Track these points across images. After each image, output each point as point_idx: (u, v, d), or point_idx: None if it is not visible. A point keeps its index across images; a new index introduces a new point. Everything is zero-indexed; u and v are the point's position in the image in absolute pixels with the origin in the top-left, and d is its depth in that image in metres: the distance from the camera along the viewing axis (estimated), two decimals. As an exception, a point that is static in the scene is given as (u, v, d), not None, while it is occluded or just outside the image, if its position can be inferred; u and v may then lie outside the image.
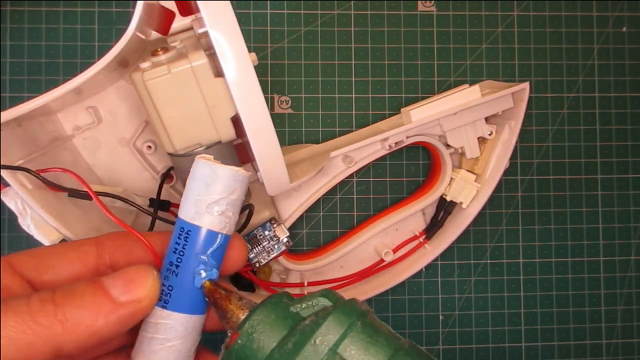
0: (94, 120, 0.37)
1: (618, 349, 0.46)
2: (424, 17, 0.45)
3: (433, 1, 0.45)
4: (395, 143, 0.40)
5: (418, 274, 0.44)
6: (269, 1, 0.44)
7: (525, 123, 0.44)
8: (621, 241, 0.47)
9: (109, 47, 0.32)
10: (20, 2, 0.43)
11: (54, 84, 0.43)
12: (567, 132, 0.46)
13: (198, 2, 0.28)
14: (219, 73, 0.30)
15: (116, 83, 0.37)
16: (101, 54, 0.43)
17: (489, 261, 0.46)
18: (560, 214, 0.46)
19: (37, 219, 0.28)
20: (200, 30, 0.33)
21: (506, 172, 0.42)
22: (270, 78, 0.44)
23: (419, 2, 0.45)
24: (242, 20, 0.44)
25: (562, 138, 0.46)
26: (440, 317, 0.45)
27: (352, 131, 0.44)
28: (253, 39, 0.44)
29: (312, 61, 0.45)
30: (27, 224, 0.28)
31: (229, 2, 0.28)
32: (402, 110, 0.43)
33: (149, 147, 0.38)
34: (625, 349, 0.46)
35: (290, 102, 0.45)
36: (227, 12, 0.28)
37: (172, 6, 0.34)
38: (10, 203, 0.28)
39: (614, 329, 0.46)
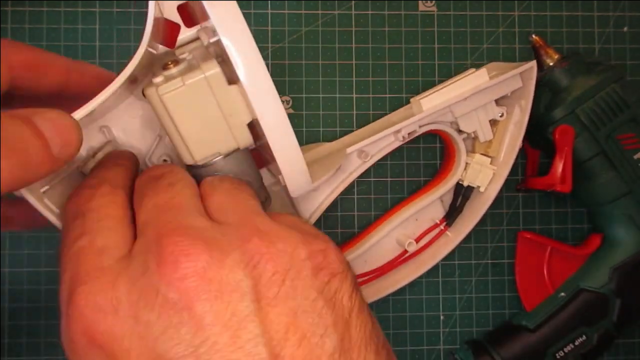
0: (108, 139, 0.37)
1: (619, 349, 0.46)
2: (425, 17, 0.45)
3: (434, 1, 0.45)
4: (409, 133, 0.40)
5: (401, 289, 0.44)
6: (269, 1, 0.44)
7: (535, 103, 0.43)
8: (622, 241, 0.47)
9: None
10: (21, 2, 0.43)
11: (55, 84, 0.43)
12: (568, 132, 0.46)
13: (205, 5, 0.28)
14: (232, 80, 0.30)
15: (126, 100, 0.37)
16: (102, 54, 0.43)
17: (490, 261, 0.46)
18: (562, 214, 0.46)
19: None
20: (212, 39, 0.33)
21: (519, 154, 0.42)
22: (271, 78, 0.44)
23: (420, 2, 0.45)
24: (243, 20, 0.44)
25: (563, 138, 0.46)
26: (441, 317, 0.46)
27: (353, 131, 0.44)
28: (254, 39, 0.44)
29: (313, 61, 0.45)
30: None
31: (235, 2, 0.28)
32: (411, 100, 0.42)
33: (165, 160, 0.38)
34: (626, 348, 0.46)
35: (291, 102, 0.45)
36: (236, 15, 0.28)
37: (177, 18, 0.34)
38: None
39: (615, 329, 0.46)
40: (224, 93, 0.31)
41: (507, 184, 0.46)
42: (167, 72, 0.31)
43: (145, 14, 0.31)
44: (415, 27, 0.45)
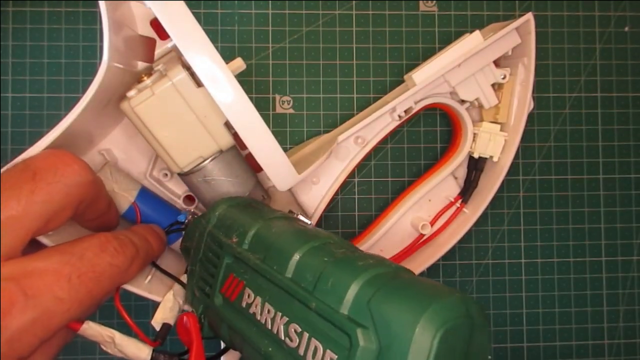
0: (106, 161, 0.37)
1: (620, 349, 0.46)
2: (426, 17, 0.45)
3: (435, 1, 0.45)
4: (405, 111, 0.39)
5: (420, 274, 0.44)
6: (270, 1, 0.44)
7: (539, 61, 0.41)
8: (623, 241, 0.46)
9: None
10: (23, 3, 0.43)
11: (56, 85, 0.43)
12: (569, 132, 0.46)
13: (150, 6, 0.28)
14: (200, 83, 0.31)
15: (122, 121, 0.37)
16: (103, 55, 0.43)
17: (490, 261, 0.46)
18: (562, 214, 0.46)
19: (125, 341, 0.29)
20: (171, 44, 0.33)
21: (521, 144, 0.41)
22: (272, 78, 0.44)
23: (421, 2, 0.45)
24: (243, 20, 0.44)
25: (564, 138, 0.46)
26: (442, 317, 0.45)
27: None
28: (255, 39, 0.44)
29: (314, 61, 0.45)
30: (114, 350, 0.29)
31: (182, 2, 0.29)
32: (405, 76, 0.41)
33: (165, 174, 0.38)
34: (627, 349, 0.46)
35: (291, 102, 0.45)
36: (184, 14, 0.29)
37: (151, 32, 0.35)
38: (93, 337, 0.28)
39: (616, 329, 0.46)
40: (194, 96, 0.31)
41: (508, 184, 0.46)
42: (140, 85, 0.31)
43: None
44: (416, 27, 0.45)
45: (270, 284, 0.25)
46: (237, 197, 0.34)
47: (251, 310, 0.26)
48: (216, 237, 0.30)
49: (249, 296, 0.27)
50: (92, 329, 0.28)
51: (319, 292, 0.23)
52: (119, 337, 0.28)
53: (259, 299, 0.26)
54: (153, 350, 0.29)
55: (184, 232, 0.35)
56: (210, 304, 0.29)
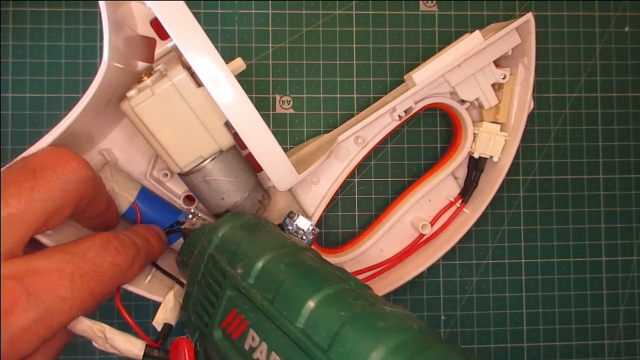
0: (106, 161, 0.37)
1: (620, 349, 0.46)
2: (426, 17, 0.45)
3: (435, 1, 0.45)
4: (405, 111, 0.39)
5: (420, 275, 0.44)
6: (270, 1, 0.44)
7: (538, 60, 0.40)
8: (623, 241, 0.46)
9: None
10: (23, 3, 0.43)
11: (56, 85, 0.43)
12: (569, 132, 0.46)
13: (150, 6, 0.28)
14: (200, 83, 0.31)
15: (122, 121, 0.37)
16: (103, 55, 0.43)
17: (490, 261, 0.46)
18: (562, 214, 0.46)
19: (116, 336, 0.28)
20: (170, 44, 0.33)
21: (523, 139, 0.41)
22: (272, 78, 0.44)
23: (421, 2, 0.45)
24: (243, 20, 0.44)
25: (564, 138, 0.46)
26: (442, 318, 0.45)
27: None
28: (255, 39, 0.44)
29: (314, 61, 0.45)
30: (105, 345, 0.28)
31: (182, 2, 0.29)
32: (405, 76, 0.41)
33: (165, 174, 0.38)
34: (627, 349, 0.46)
35: (291, 102, 0.45)
36: (184, 14, 0.29)
37: (151, 32, 0.35)
38: (83, 332, 0.28)
39: (617, 329, 0.46)
40: (194, 96, 0.31)
41: (508, 184, 0.46)
42: (140, 85, 0.31)
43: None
44: (416, 27, 0.45)
45: (279, 331, 0.23)
46: (242, 216, 0.31)
47: (255, 356, 0.24)
48: (218, 263, 0.27)
49: (253, 339, 0.24)
50: (82, 323, 0.27)
51: (335, 354, 0.21)
52: (110, 331, 0.28)
53: (264, 345, 0.23)
54: (146, 345, 0.28)
55: (182, 244, 0.34)
56: (208, 335, 0.27)
